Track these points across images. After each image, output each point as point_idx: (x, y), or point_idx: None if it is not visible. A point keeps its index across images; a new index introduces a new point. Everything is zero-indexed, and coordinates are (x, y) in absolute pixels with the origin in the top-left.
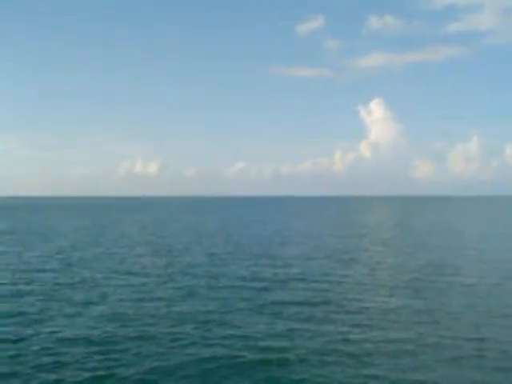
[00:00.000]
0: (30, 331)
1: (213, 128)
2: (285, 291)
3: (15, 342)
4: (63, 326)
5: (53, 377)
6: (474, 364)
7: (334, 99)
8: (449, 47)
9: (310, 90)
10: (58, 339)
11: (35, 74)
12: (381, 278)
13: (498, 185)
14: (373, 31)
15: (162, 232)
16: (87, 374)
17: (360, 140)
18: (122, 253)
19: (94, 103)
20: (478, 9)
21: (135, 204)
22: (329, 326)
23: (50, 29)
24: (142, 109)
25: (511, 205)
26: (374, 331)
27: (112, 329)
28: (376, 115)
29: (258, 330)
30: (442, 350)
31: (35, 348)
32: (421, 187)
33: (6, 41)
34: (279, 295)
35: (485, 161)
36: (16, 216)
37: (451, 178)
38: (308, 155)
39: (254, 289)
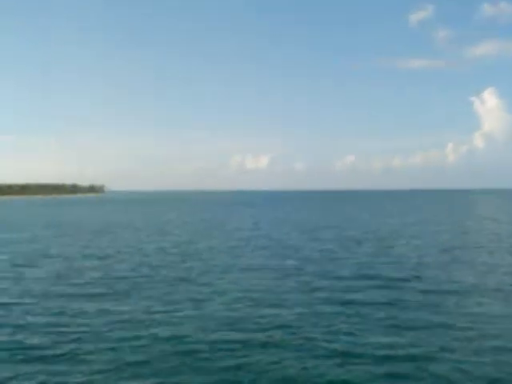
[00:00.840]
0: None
1: (323, 122)
2: None
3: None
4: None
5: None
6: None
7: (445, 90)
8: None
9: (421, 81)
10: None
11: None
12: None
13: None
14: (486, 18)
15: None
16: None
17: (473, 131)
18: (240, 246)
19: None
20: None
21: (244, 199)
22: None
23: None
24: (252, 104)
25: None
26: None
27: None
28: (489, 105)
29: None
30: None
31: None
32: None
33: None
34: None
35: None
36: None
37: None
38: (419, 148)
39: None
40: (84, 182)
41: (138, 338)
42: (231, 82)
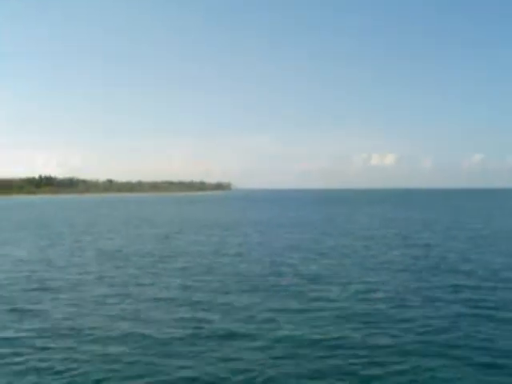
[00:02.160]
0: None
1: (452, 119)
2: None
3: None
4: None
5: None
6: None
7: None
8: None
9: None
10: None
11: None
12: None
13: None
14: None
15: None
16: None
17: None
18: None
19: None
20: None
21: (376, 196)
22: None
23: None
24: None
25: None
26: None
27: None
28: None
29: None
30: None
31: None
32: None
33: None
34: None
35: None
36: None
37: None
38: None
39: None
40: (211, 180)
41: None
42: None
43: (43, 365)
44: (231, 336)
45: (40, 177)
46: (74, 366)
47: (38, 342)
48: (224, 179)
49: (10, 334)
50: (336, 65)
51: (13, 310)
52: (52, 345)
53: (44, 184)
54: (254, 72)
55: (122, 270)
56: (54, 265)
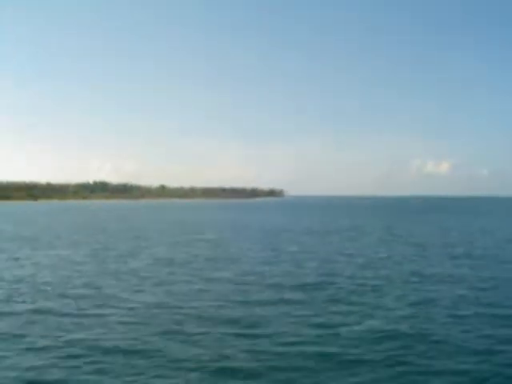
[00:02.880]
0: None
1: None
2: None
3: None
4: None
5: None
6: None
7: None
8: None
9: None
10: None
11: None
12: None
13: None
14: None
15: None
16: None
17: None
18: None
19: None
20: None
21: (432, 203)
22: None
23: None
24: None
25: None
26: None
27: None
28: None
29: None
30: None
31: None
32: None
33: None
34: None
35: None
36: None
37: None
38: None
39: None
40: (262, 186)
41: None
42: None
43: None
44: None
45: (94, 182)
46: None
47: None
48: (276, 185)
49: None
50: (390, 66)
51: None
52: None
53: (98, 189)
54: (304, 74)
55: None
56: (112, 268)
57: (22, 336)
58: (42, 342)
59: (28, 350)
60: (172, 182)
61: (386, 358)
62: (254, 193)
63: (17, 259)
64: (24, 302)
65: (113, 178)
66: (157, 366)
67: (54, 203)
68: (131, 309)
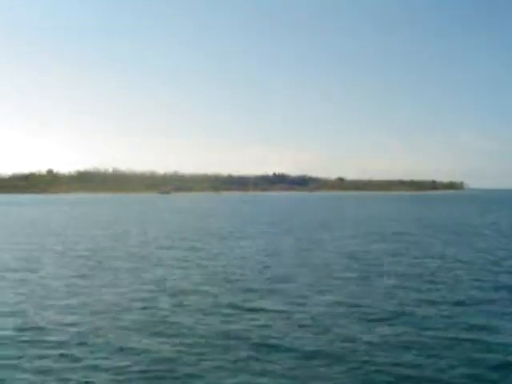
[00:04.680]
0: None
1: None
2: None
3: None
4: None
5: None
6: None
7: None
8: None
9: None
10: None
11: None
12: None
13: None
14: None
15: None
16: None
17: None
18: None
19: None
20: None
21: None
22: None
23: None
24: None
25: None
26: None
27: None
28: None
29: None
30: None
31: None
32: None
33: None
34: None
35: None
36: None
37: None
38: None
39: None
40: (441, 179)
41: None
42: None
43: None
44: None
45: (274, 174)
46: None
47: None
48: (454, 178)
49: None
50: None
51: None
52: None
53: (278, 181)
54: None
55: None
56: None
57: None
58: None
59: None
60: (350, 175)
61: None
62: (433, 185)
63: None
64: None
65: (291, 169)
66: None
67: (236, 195)
68: None
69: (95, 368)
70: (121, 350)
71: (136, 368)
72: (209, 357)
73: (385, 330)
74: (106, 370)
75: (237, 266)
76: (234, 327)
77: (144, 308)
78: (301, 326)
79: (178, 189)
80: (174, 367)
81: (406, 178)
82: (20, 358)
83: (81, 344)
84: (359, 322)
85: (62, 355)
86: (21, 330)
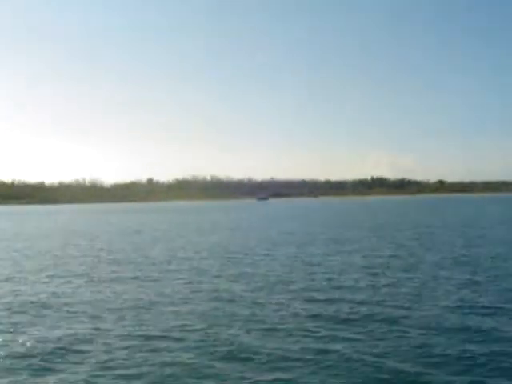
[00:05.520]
0: None
1: None
2: None
3: None
4: None
5: None
6: None
7: None
8: None
9: None
10: None
11: None
12: None
13: None
14: None
15: None
16: None
17: None
18: None
19: None
20: None
21: None
22: None
23: None
24: None
25: None
26: None
27: None
28: None
29: None
30: None
31: None
32: None
33: None
34: None
35: None
36: None
37: None
38: None
39: None
40: None
41: None
42: None
43: None
44: None
45: (372, 178)
46: None
47: None
48: None
49: None
50: None
51: None
52: None
53: (376, 185)
54: None
55: None
56: None
57: None
58: None
59: None
60: (452, 177)
61: None
62: None
63: None
64: None
65: (389, 173)
66: None
67: (335, 200)
68: None
69: None
70: None
71: None
72: None
73: None
74: None
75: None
76: None
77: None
78: None
79: (276, 195)
80: None
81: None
82: None
83: None
84: None
85: None
86: None
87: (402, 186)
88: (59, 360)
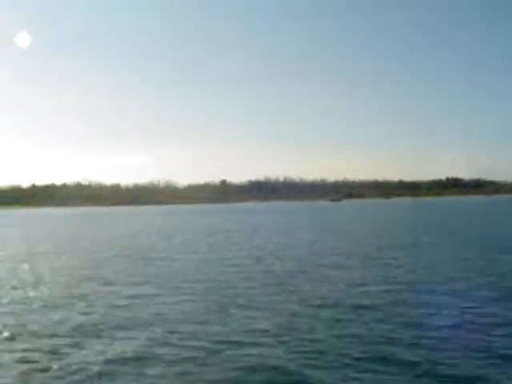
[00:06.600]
0: None
1: None
2: None
3: None
4: None
5: None
6: None
7: None
8: None
9: None
10: None
11: None
12: None
13: None
14: None
15: None
16: None
17: None
18: None
19: None
20: None
21: None
22: None
23: None
24: None
25: None
26: None
27: None
28: None
29: None
30: None
31: None
32: None
33: None
34: None
35: None
36: None
37: None
38: None
39: None
40: None
41: None
42: None
43: None
44: None
45: (447, 178)
46: None
47: None
48: None
49: None
50: None
51: None
52: None
53: (451, 185)
54: None
55: None
56: None
57: None
58: None
59: None
60: None
61: None
62: None
63: None
64: None
65: (464, 173)
66: None
67: (407, 201)
68: None
69: None
70: None
71: None
72: None
73: None
74: None
75: None
76: None
77: None
78: None
79: (349, 196)
80: None
81: None
82: None
83: None
84: None
85: None
86: None
87: (478, 186)
88: None
